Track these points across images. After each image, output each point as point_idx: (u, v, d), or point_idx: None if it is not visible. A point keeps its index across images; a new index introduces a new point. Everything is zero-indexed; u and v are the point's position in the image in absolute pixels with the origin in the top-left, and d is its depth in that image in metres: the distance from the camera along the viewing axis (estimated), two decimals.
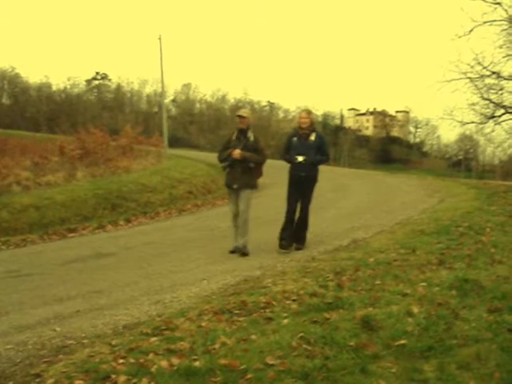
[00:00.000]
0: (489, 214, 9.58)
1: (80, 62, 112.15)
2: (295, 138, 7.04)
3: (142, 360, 3.20)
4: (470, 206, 11.04)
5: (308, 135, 6.96)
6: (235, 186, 6.86)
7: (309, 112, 7.22)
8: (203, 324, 3.91)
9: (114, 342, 3.67)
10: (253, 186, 7.00)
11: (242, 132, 6.89)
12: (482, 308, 3.94)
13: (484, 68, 18.01)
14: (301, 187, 7.09)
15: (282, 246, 6.99)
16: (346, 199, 13.73)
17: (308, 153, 6.92)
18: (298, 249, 7.09)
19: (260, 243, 7.46)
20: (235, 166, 6.83)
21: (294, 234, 7.16)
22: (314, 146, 6.92)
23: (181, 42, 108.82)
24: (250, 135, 6.90)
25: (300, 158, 6.89)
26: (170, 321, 4.10)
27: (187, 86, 75.24)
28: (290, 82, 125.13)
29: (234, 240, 7.08)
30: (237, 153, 6.72)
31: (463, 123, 19.87)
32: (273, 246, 7.35)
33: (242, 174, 6.81)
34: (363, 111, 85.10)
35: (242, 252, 6.85)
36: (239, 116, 6.95)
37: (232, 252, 6.98)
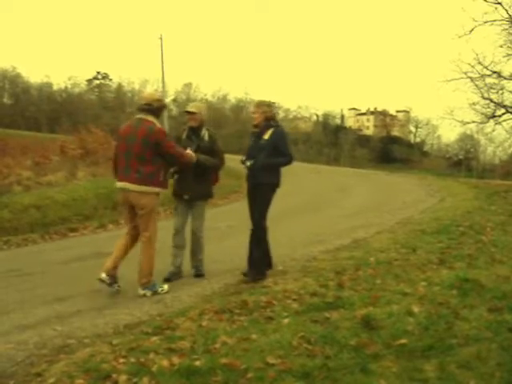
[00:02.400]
0: (489, 214, 9.60)
1: (81, 61, 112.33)
2: (252, 139, 5.72)
3: (142, 359, 3.20)
4: (470, 206, 11.06)
5: (262, 134, 5.54)
6: (186, 197, 5.66)
7: (258, 105, 5.68)
8: (204, 323, 3.92)
9: (114, 342, 3.67)
10: (208, 195, 5.86)
11: (194, 130, 5.72)
12: (483, 307, 3.94)
13: (484, 67, 18.08)
14: (251, 197, 5.70)
15: (243, 273, 5.71)
16: (346, 199, 13.74)
17: (257, 155, 5.50)
18: (244, 275, 5.60)
19: None
20: (186, 172, 5.59)
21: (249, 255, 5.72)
22: (266, 147, 5.47)
23: (182, 42, 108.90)
24: (204, 134, 5.74)
25: (248, 163, 5.58)
26: (171, 320, 4.10)
27: (188, 85, 75.22)
28: (291, 81, 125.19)
29: (172, 262, 5.74)
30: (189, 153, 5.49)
31: (464, 123, 19.98)
32: (274, 245, 7.35)
33: (194, 181, 5.61)
34: (364, 111, 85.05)
35: (196, 273, 5.79)
36: (187, 112, 5.77)
37: (167, 280, 5.52)
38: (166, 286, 5.20)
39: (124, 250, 5.21)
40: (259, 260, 5.60)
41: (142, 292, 5.06)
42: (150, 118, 4.94)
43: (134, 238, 5.24)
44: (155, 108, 4.96)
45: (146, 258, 5.06)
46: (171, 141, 5.09)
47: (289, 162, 5.61)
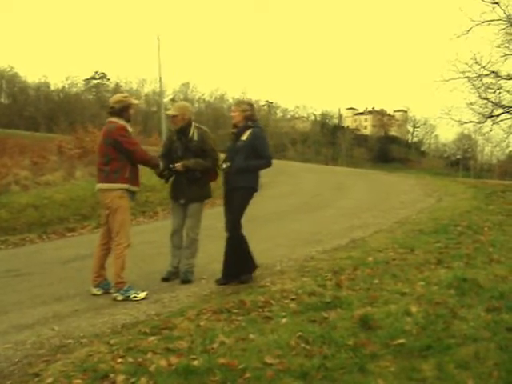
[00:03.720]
0: (487, 214, 9.61)
1: (78, 61, 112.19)
2: (231, 140, 5.48)
3: (140, 359, 3.20)
4: (468, 206, 11.06)
5: (240, 134, 5.29)
6: (182, 201, 5.52)
7: (238, 103, 5.53)
8: (202, 323, 3.92)
9: (112, 342, 3.67)
10: (205, 196, 5.66)
11: (182, 131, 5.53)
12: (481, 307, 3.95)
13: (482, 67, 18.07)
14: (228, 202, 5.42)
15: (216, 281, 5.46)
16: (344, 198, 13.72)
17: (235, 157, 5.26)
18: (241, 281, 5.34)
19: (259, 242, 7.45)
20: (180, 176, 5.48)
21: (232, 262, 5.41)
22: (243, 149, 5.20)
23: (179, 42, 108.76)
24: (193, 134, 5.52)
25: (224, 165, 5.37)
26: (169, 320, 4.10)
27: (186, 85, 75.27)
28: (289, 81, 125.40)
29: (170, 262, 5.68)
30: (178, 165, 5.41)
31: (461, 122, 19.96)
32: (271, 245, 7.37)
33: (189, 184, 5.45)
34: (361, 110, 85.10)
35: (183, 279, 5.51)
36: (170, 116, 5.64)
37: (165, 279, 5.55)
38: (142, 294, 4.97)
39: (98, 260, 5.20)
40: (243, 260, 5.41)
41: (114, 294, 5.01)
42: (114, 119, 5.07)
43: (104, 247, 5.23)
44: (117, 109, 5.07)
45: (114, 259, 5.03)
46: (131, 138, 5.10)
47: (267, 165, 5.35)
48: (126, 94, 5.46)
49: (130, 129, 5.15)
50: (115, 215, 5.00)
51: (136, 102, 5.39)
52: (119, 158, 4.96)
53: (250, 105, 5.51)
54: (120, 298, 4.93)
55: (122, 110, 5.08)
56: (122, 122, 5.05)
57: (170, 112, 5.67)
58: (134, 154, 5.01)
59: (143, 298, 4.94)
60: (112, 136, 4.96)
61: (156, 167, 5.38)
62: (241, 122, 5.32)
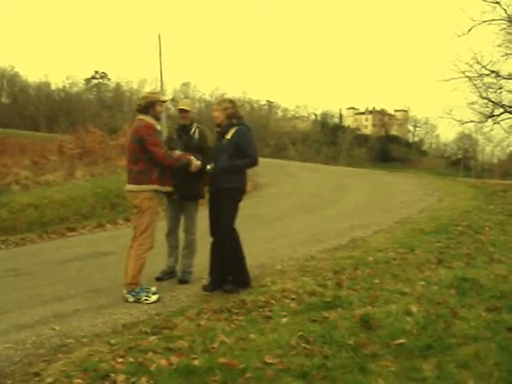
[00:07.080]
0: (488, 213, 9.62)
1: (79, 61, 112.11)
2: (216, 139, 5.28)
3: (141, 359, 3.20)
4: (468, 205, 11.07)
5: (224, 134, 5.09)
6: (175, 197, 5.42)
7: (219, 102, 5.31)
8: (202, 323, 3.92)
9: (113, 341, 3.67)
10: (199, 195, 5.60)
11: (185, 128, 5.55)
12: (481, 307, 3.95)
13: (483, 67, 18.11)
14: (214, 205, 5.18)
15: (203, 287, 5.24)
16: (344, 198, 13.72)
17: (219, 157, 5.07)
18: (225, 290, 5.03)
19: (259, 242, 7.46)
20: (176, 171, 5.26)
21: (218, 268, 5.17)
22: (228, 148, 5.01)
23: (180, 41, 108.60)
24: (194, 132, 5.56)
25: (208, 166, 5.14)
26: (169, 320, 4.11)
27: (186, 85, 75.21)
28: (289, 80, 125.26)
29: (166, 262, 5.71)
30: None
31: (462, 122, 20.01)
32: (272, 244, 7.36)
33: (184, 180, 5.27)
34: (362, 110, 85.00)
35: (181, 279, 5.54)
36: (182, 110, 5.54)
37: (159, 279, 5.54)
38: (153, 297, 4.84)
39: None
40: (239, 271, 5.12)
41: (125, 295, 4.89)
42: (141, 116, 4.97)
43: None
44: (143, 106, 4.96)
45: (131, 260, 4.88)
46: (157, 138, 4.89)
47: (252, 163, 5.15)
48: (154, 91, 5.38)
49: (158, 127, 5.00)
50: (143, 216, 4.88)
51: (164, 98, 5.22)
52: (147, 158, 4.83)
53: (232, 102, 5.29)
54: (131, 299, 4.83)
55: (148, 107, 4.94)
56: (149, 120, 4.92)
57: (184, 107, 5.59)
58: (154, 155, 4.82)
59: (155, 301, 4.81)
60: (139, 133, 4.84)
61: (187, 165, 5.12)
62: (224, 121, 5.14)
